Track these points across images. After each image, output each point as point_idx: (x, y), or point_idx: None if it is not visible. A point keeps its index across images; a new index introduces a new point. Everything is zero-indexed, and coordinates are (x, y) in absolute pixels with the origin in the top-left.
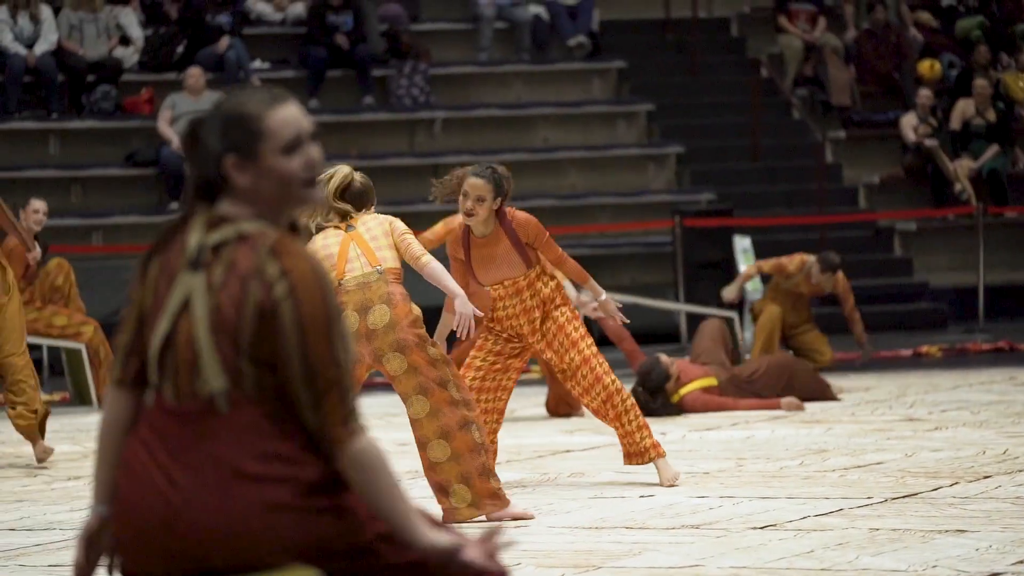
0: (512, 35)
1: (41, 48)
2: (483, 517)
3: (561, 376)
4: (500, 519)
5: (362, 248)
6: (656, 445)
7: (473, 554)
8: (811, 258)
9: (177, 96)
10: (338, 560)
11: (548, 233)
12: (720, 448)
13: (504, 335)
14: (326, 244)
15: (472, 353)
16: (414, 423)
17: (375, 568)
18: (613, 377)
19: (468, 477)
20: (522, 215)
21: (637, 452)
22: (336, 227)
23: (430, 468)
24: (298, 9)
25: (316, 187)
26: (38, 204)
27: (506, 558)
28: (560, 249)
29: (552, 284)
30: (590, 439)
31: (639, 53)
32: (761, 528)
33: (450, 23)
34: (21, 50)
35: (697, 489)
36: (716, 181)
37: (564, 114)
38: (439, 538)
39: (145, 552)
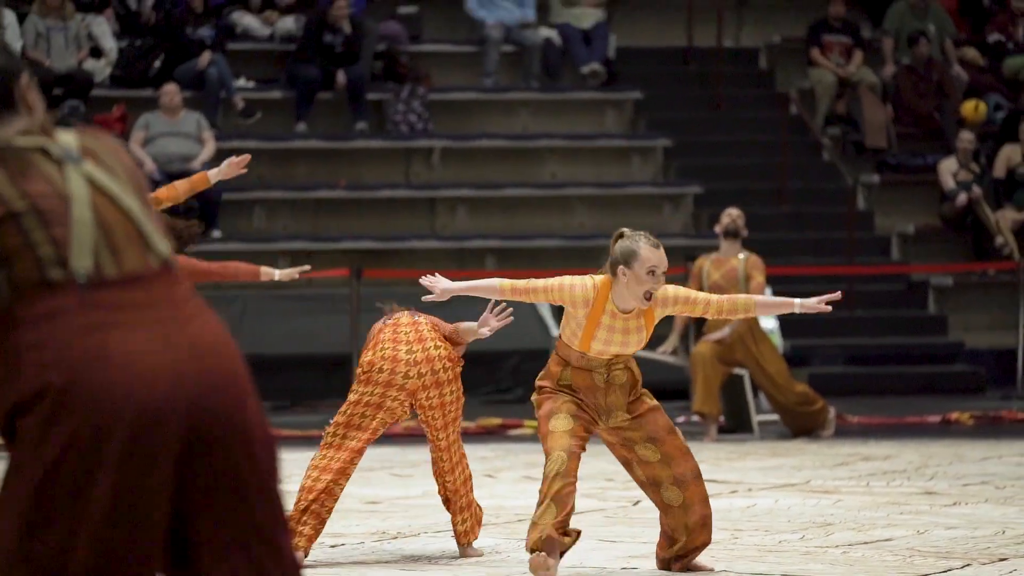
0: (520, 60)
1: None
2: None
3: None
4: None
5: None
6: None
7: None
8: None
9: (152, 115)
10: None
11: None
12: (718, 518)
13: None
14: None
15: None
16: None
17: None
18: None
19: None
20: None
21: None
22: None
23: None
24: (288, 24)
25: None
26: None
27: None
28: None
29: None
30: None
31: (658, 83)
32: None
33: (453, 45)
34: None
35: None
36: None
37: (574, 147)
38: None
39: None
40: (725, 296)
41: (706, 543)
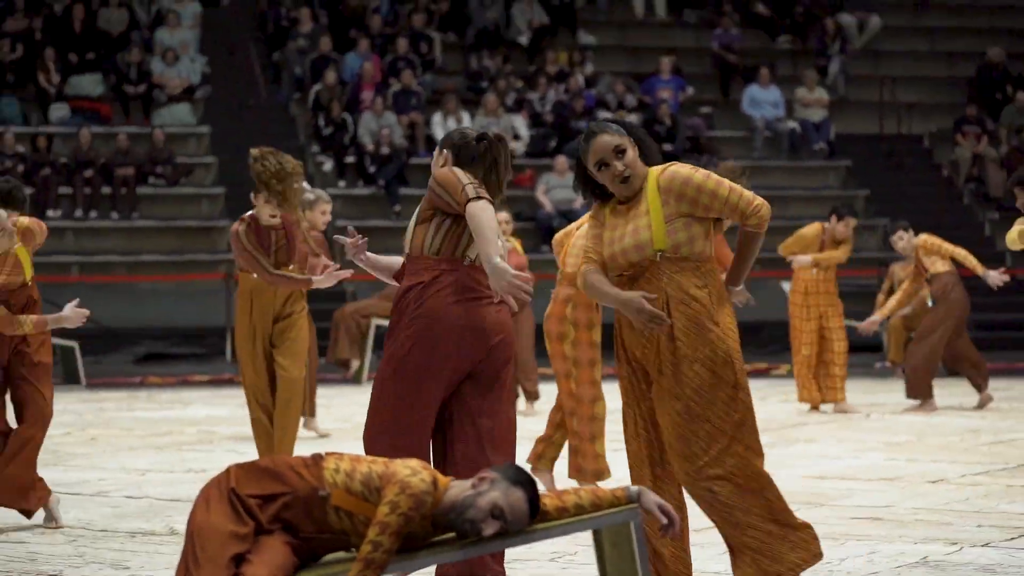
0: (775, 141)
1: None
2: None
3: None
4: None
5: None
6: None
7: None
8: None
9: (549, 175)
10: None
11: None
12: (906, 426)
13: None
14: None
15: None
16: None
17: None
18: None
19: None
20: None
21: None
22: None
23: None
24: (631, 118)
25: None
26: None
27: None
28: None
29: None
30: (820, 416)
31: (862, 155)
32: (933, 482)
33: (734, 131)
34: None
35: (892, 453)
36: None
37: (809, 196)
38: None
39: None
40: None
41: None
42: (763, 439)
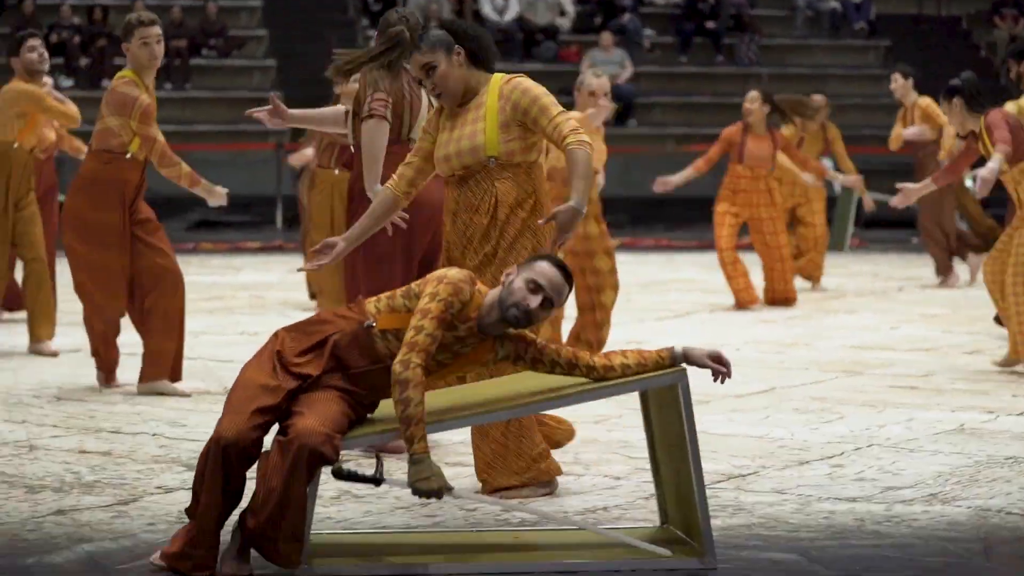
0: (817, 19)
1: (508, 16)
2: None
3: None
4: None
5: None
6: None
7: None
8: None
9: (595, 50)
10: None
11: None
12: (941, 300)
13: None
14: None
15: None
16: None
17: None
18: None
19: None
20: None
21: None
22: None
23: None
24: None
25: None
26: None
27: (790, 365)
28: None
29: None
30: (859, 289)
31: (901, 36)
32: (969, 353)
33: (775, 10)
34: (495, 16)
35: (928, 325)
36: None
37: (849, 74)
38: None
39: None
40: None
41: None
42: (800, 310)
